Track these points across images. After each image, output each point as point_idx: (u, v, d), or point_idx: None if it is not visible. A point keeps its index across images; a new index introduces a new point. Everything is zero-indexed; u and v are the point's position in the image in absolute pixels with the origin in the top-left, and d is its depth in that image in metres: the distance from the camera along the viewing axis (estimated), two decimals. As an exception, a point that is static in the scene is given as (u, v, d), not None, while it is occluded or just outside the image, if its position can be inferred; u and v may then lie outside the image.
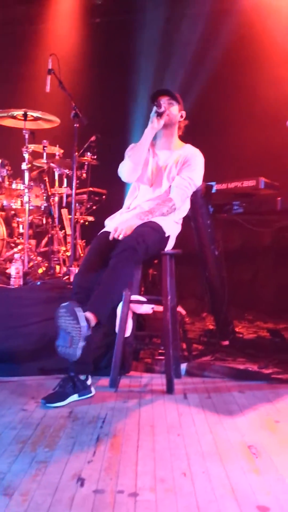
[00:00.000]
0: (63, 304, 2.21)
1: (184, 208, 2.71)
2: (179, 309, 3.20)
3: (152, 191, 2.68)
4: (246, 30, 4.53)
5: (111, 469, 1.65)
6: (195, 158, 2.68)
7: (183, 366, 2.86)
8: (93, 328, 2.25)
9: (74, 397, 2.35)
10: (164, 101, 2.65)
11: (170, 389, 2.51)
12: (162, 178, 2.67)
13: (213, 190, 3.19)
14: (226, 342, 3.36)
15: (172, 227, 2.62)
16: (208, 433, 1.99)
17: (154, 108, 2.62)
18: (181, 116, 2.74)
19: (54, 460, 1.71)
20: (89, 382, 2.44)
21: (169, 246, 2.65)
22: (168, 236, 2.60)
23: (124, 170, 2.66)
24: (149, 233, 2.46)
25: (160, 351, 3.05)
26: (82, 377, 2.42)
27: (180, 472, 1.65)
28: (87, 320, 2.19)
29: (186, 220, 3.01)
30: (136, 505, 1.44)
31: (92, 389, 2.44)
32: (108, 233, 2.53)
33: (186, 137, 2.79)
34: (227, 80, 4.59)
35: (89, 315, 2.22)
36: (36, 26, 5.06)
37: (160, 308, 2.73)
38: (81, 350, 2.16)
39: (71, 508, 1.41)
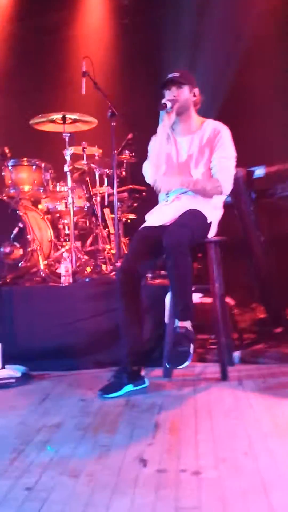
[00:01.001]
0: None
1: None
2: (228, 299, 3.18)
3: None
4: (280, 13, 4.44)
5: (172, 451, 1.67)
6: (222, 135, 2.58)
7: (236, 354, 2.84)
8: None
9: (129, 387, 2.38)
10: (168, 93, 2.56)
11: (224, 376, 2.49)
12: (190, 169, 2.60)
13: (256, 175, 3.15)
14: (279, 329, 3.30)
15: (213, 212, 2.58)
16: (267, 415, 1.97)
17: (159, 106, 2.52)
18: (194, 95, 2.62)
19: (115, 444, 1.75)
20: (143, 373, 2.47)
21: (212, 233, 2.62)
22: (210, 223, 2.57)
23: (147, 173, 2.62)
24: (191, 219, 2.44)
25: (211, 340, 3.04)
26: (135, 368, 2.44)
27: (242, 452, 1.64)
28: (186, 329, 2.31)
29: (229, 208, 2.99)
30: (200, 483, 1.44)
31: (146, 380, 2.47)
32: (147, 228, 2.55)
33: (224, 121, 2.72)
34: (259, 65, 4.51)
35: (183, 323, 2.33)
36: (68, 32, 5.17)
37: (207, 300, 2.72)
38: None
39: (136, 486, 1.44)
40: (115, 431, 1.87)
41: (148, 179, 2.63)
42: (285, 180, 3.09)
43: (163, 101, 2.52)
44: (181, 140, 2.65)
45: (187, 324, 2.34)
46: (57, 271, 3.36)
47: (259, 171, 3.18)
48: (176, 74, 2.58)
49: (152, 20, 5.02)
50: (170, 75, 2.59)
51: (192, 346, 2.31)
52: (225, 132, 2.60)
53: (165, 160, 2.63)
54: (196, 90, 2.63)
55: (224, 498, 1.36)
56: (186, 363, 2.27)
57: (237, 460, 1.58)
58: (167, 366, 2.48)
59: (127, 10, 5.20)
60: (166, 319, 2.63)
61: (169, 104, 2.50)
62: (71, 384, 2.53)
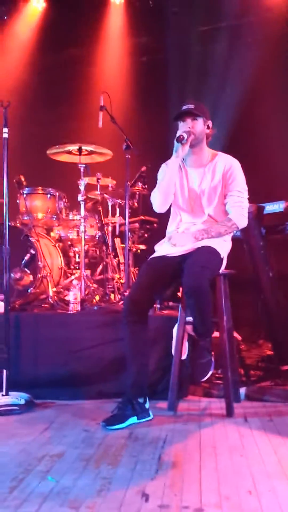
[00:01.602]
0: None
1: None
2: (235, 334, 3.17)
3: (192, 217, 2.65)
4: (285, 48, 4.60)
5: (175, 486, 1.64)
6: (234, 168, 2.61)
7: (242, 390, 2.80)
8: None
9: (133, 419, 2.36)
10: (182, 125, 2.56)
11: (230, 412, 2.46)
12: (202, 206, 2.62)
13: (266, 211, 3.19)
14: (286, 367, 3.26)
15: (224, 247, 2.60)
16: (272, 454, 1.93)
17: (176, 138, 2.52)
18: (208, 128, 2.63)
19: (117, 476, 1.72)
20: (147, 405, 2.45)
21: (222, 267, 2.65)
22: (223, 258, 2.60)
23: (155, 202, 2.64)
24: (208, 259, 2.44)
25: (217, 375, 3.01)
26: (140, 400, 2.43)
27: (245, 490, 1.61)
28: (207, 349, 2.50)
29: (239, 242, 3.01)
30: (202, 521, 1.42)
31: (150, 412, 2.44)
32: (157, 258, 2.57)
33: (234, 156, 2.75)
34: (269, 103, 4.63)
35: (206, 344, 2.50)
36: (87, 67, 5.38)
37: (215, 334, 2.72)
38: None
39: (137, 521, 1.42)
40: (117, 464, 1.84)
41: (156, 207, 2.65)
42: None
43: (180, 132, 2.53)
44: (192, 172, 2.67)
45: (206, 340, 2.47)
46: (66, 298, 3.37)
47: (270, 207, 3.21)
48: (191, 106, 2.58)
49: (169, 58, 5.21)
50: (185, 107, 2.58)
51: (213, 355, 2.44)
52: (237, 166, 2.63)
53: (177, 190, 2.66)
54: (210, 123, 2.64)
55: (227, 538, 1.33)
56: (210, 373, 2.44)
57: (241, 499, 1.55)
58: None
59: (146, 48, 5.40)
60: (173, 351, 2.62)
61: (185, 136, 2.52)
62: (75, 413, 2.51)
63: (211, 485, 1.66)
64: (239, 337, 3.52)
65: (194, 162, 2.66)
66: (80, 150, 3.65)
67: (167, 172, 2.61)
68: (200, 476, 1.72)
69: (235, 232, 2.72)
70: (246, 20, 4.97)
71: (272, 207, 3.21)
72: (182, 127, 2.58)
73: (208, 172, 2.63)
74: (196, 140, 2.58)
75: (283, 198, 3.16)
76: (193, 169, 2.67)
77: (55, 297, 3.38)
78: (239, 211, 2.58)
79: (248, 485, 1.65)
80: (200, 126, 2.59)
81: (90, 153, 3.76)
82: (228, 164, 2.62)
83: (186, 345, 2.70)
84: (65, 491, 1.61)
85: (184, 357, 2.64)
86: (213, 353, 2.49)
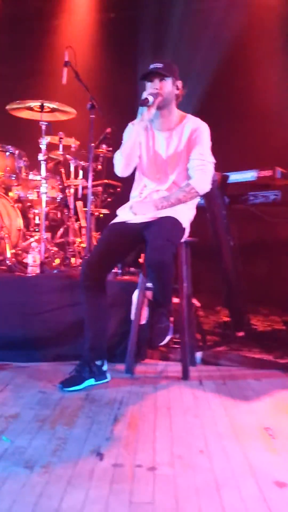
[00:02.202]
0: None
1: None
2: (194, 301, 3.21)
3: (157, 183, 2.57)
4: (258, 17, 4.53)
5: (129, 446, 1.67)
6: (201, 131, 2.52)
7: (198, 355, 2.87)
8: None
9: (91, 381, 2.37)
10: (150, 85, 2.46)
11: (185, 376, 2.52)
12: (167, 168, 2.55)
13: (230, 181, 3.19)
14: (241, 333, 3.36)
15: (187, 216, 2.56)
16: (224, 416, 2.00)
17: (141, 101, 2.41)
18: (177, 88, 2.53)
19: (73, 437, 1.74)
20: (105, 368, 2.47)
21: (185, 235, 2.64)
22: (185, 227, 2.56)
23: (117, 165, 2.54)
24: (170, 230, 2.40)
25: (175, 339, 3.06)
26: (98, 362, 2.44)
27: (197, 450, 1.66)
28: (166, 315, 2.49)
29: (202, 210, 3.01)
30: (155, 479, 1.45)
31: (108, 375, 2.46)
32: (118, 224, 2.52)
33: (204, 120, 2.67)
34: (240, 71, 4.59)
35: (165, 310, 2.49)
36: (51, 21, 5.13)
37: (174, 300, 2.74)
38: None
39: (91, 479, 1.44)
40: (73, 425, 1.85)
41: (118, 171, 2.56)
42: (258, 188, 3.14)
43: (145, 95, 2.43)
44: (159, 135, 2.58)
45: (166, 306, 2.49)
46: (24, 261, 3.30)
47: (234, 176, 3.22)
48: (159, 65, 2.46)
49: (138, 15, 5.02)
50: (152, 66, 2.46)
51: (171, 319, 2.46)
52: (204, 130, 2.54)
53: (143, 154, 2.58)
54: (179, 83, 2.54)
55: (177, 494, 1.37)
56: (168, 338, 2.46)
57: (192, 458, 1.60)
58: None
59: (115, 4, 5.18)
60: (132, 316, 2.63)
61: (150, 98, 2.41)
62: (31, 375, 2.49)
63: (164, 445, 1.70)
64: (198, 304, 3.57)
65: (161, 124, 2.57)
66: (42, 106, 3.51)
67: (131, 135, 2.52)
68: (154, 436, 1.76)
69: (199, 200, 2.70)
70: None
71: (237, 176, 3.22)
72: (149, 88, 2.47)
73: (175, 135, 2.55)
74: (164, 102, 2.48)
75: (250, 167, 3.16)
76: (160, 132, 2.58)
77: (13, 260, 3.30)
78: (200, 176, 2.50)
79: (200, 445, 1.70)
80: (168, 87, 2.49)
81: (53, 110, 3.62)
82: (195, 127, 2.53)
83: (145, 310, 2.72)
84: (19, 450, 1.62)
85: (143, 322, 2.66)
86: (171, 318, 2.51)
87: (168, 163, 2.56)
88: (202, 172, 2.51)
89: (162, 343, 2.51)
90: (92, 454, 1.61)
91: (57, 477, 1.45)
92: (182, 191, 2.50)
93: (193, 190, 2.50)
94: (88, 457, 1.58)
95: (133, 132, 2.52)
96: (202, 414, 2.01)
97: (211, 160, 2.54)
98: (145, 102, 2.42)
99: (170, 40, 4.80)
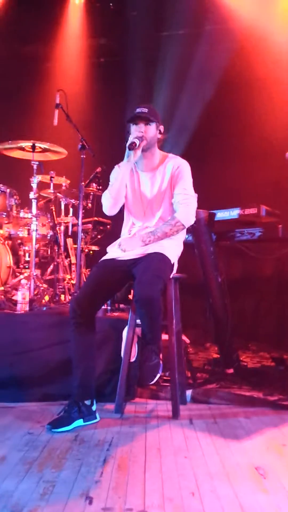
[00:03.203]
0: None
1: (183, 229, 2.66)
2: (183, 337, 3.22)
3: (144, 220, 2.66)
4: (243, 62, 4.72)
5: (119, 488, 1.64)
6: (182, 168, 2.62)
7: (188, 393, 2.85)
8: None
9: (79, 422, 2.34)
10: (135, 128, 2.58)
11: (175, 415, 2.50)
12: (153, 206, 2.64)
13: (217, 218, 3.26)
14: (231, 370, 3.35)
15: (175, 252, 2.62)
16: (215, 456, 1.97)
17: (127, 143, 2.53)
18: (160, 132, 2.66)
19: (61, 480, 1.70)
20: (94, 408, 2.44)
21: (174, 271, 2.68)
22: (173, 263, 2.62)
23: (105, 204, 2.65)
24: (159, 267, 2.44)
25: (165, 377, 3.04)
26: (87, 402, 2.41)
27: (188, 492, 1.63)
28: (155, 352, 2.46)
29: (190, 247, 3.06)
30: (145, 523, 1.43)
31: (97, 415, 2.43)
32: (108, 260, 2.57)
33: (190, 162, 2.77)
34: (225, 111, 4.76)
35: (154, 347, 2.46)
36: (44, 64, 5.31)
37: (164, 336, 2.75)
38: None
39: (80, 525, 1.40)
40: (61, 467, 1.82)
41: (105, 209, 2.66)
42: (244, 225, 3.21)
43: (132, 139, 2.54)
44: (143, 175, 2.68)
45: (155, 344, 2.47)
46: (14, 298, 3.29)
47: (221, 214, 3.29)
48: (145, 110, 2.60)
49: (127, 60, 5.23)
50: (138, 110, 2.60)
51: (161, 356, 2.44)
52: (185, 166, 2.65)
53: (129, 194, 2.67)
54: (162, 128, 2.68)
55: (169, 539, 1.35)
56: (158, 376, 2.42)
57: (184, 500, 1.58)
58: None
59: (104, 49, 5.40)
60: (122, 353, 2.62)
61: (137, 142, 2.54)
62: (18, 416, 2.45)
63: (155, 486, 1.67)
64: (187, 340, 3.57)
65: (145, 166, 2.69)
66: (33, 147, 3.59)
67: (118, 176, 2.62)
68: (144, 478, 1.73)
69: (187, 236, 2.76)
70: (204, 28, 5.07)
71: (223, 214, 3.29)
72: (135, 131, 2.59)
73: (159, 175, 2.66)
74: (147, 145, 2.61)
75: (236, 205, 3.24)
76: (144, 173, 2.69)
77: (3, 297, 3.29)
78: (184, 209, 2.57)
79: (191, 486, 1.68)
80: (152, 131, 2.61)
81: (44, 150, 3.71)
82: (177, 165, 2.65)
83: (135, 347, 2.71)
84: (7, 494, 1.58)
85: (133, 359, 2.65)
86: (161, 355, 2.51)
87: (154, 201, 2.65)
88: (186, 205, 2.58)
89: (153, 382, 2.48)
90: (81, 497, 1.57)
91: (45, 522, 1.41)
92: (168, 225, 2.57)
93: (179, 223, 2.57)
94: (77, 500, 1.55)
95: (120, 174, 2.61)
96: (192, 455, 1.98)
97: (193, 194, 2.64)
98: (133, 146, 2.53)
99: (156, 83, 4.99)
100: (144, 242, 2.54)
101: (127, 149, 2.55)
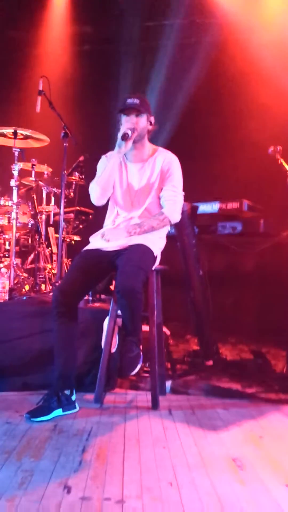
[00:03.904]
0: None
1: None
2: (164, 329, 3.23)
3: (129, 211, 2.65)
4: (228, 57, 4.73)
5: (98, 478, 1.65)
6: (172, 164, 2.64)
7: (168, 384, 2.86)
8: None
9: (59, 411, 2.33)
10: (126, 119, 2.57)
11: (155, 405, 2.51)
12: (140, 198, 2.64)
13: (199, 211, 3.27)
14: (210, 362, 3.38)
15: (158, 245, 2.63)
16: (193, 446, 1.99)
17: (119, 134, 2.53)
18: (150, 124, 2.66)
19: (40, 469, 1.70)
20: (73, 397, 2.43)
21: (156, 263, 2.68)
22: (156, 256, 2.62)
23: (93, 194, 2.63)
24: (142, 258, 2.44)
25: (145, 368, 3.05)
26: (67, 392, 2.40)
27: (166, 482, 1.65)
28: (136, 343, 2.42)
29: (172, 239, 3.06)
30: (124, 512, 1.43)
31: (77, 404, 2.43)
32: (91, 251, 2.55)
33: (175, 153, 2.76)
34: (210, 106, 4.77)
35: (134, 339, 2.43)
36: (27, 50, 5.21)
37: (145, 328, 2.75)
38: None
39: (58, 514, 1.40)
40: (40, 456, 1.81)
41: (94, 200, 2.63)
42: (226, 219, 3.23)
43: (124, 130, 2.53)
44: (132, 167, 2.68)
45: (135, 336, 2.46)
46: (-7, 287, 3.26)
47: (203, 207, 3.30)
48: (136, 101, 2.59)
49: (112, 49, 5.18)
50: (130, 100, 2.59)
51: (141, 348, 2.43)
52: (175, 162, 2.67)
53: (117, 184, 2.65)
54: (152, 119, 2.68)
55: (147, 528, 1.36)
56: (138, 367, 2.40)
57: (161, 490, 1.59)
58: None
59: (89, 37, 5.32)
60: (103, 344, 2.61)
61: (129, 133, 2.53)
62: (-3, 405, 2.43)
63: (133, 476, 1.68)
64: (168, 332, 3.59)
65: (134, 157, 2.68)
66: (15, 133, 3.53)
67: (108, 166, 2.60)
68: (123, 468, 1.74)
69: (169, 229, 2.76)
70: (190, 19, 5.05)
71: (206, 207, 3.30)
72: (126, 122, 2.58)
73: (148, 167, 2.66)
74: (138, 136, 2.60)
75: (218, 198, 3.25)
76: (133, 164, 2.68)
77: (-18, 285, 3.25)
78: (172, 206, 2.61)
79: (169, 476, 1.69)
80: (143, 122, 2.61)
81: (26, 137, 3.65)
82: (167, 159, 2.66)
83: (116, 338, 2.71)
84: (-17, 484, 1.56)
85: (113, 350, 2.65)
86: (141, 346, 2.51)
87: (141, 192, 2.65)
88: (174, 202, 2.62)
89: (133, 373, 2.48)
90: (59, 486, 1.57)
91: (23, 510, 1.41)
92: (156, 219, 2.59)
93: (166, 219, 2.61)
94: (55, 490, 1.55)
95: (109, 164, 2.59)
96: (171, 445, 2.00)
97: (181, 192, 2.67)
98: (125, 136, 2.52)
99: (142, 73, 4.96)
100: (129, 233, 2.53)
101: (119, 139, 2.54)
